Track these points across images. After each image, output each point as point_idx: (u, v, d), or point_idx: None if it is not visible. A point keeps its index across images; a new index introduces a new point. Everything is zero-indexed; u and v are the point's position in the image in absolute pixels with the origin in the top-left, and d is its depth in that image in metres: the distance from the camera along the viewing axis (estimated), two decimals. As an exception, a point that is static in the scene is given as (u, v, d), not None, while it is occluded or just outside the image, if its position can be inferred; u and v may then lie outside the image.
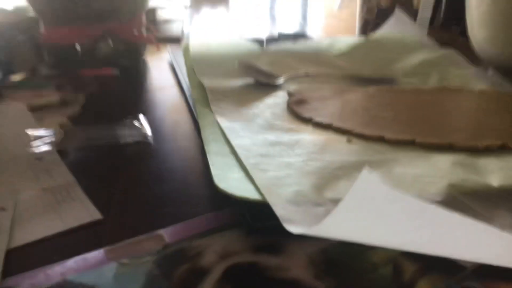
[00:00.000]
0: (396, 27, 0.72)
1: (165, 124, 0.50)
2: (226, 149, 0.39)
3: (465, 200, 0.31)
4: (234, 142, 0.40)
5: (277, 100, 0.52)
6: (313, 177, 0.34)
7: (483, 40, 0.58)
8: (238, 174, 0.35)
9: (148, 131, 0.46)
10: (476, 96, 0.50)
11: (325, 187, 0.33)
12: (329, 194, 0.32)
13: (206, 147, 0.39)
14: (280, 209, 0.29)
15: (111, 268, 0.28)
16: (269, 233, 0.31)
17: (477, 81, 0.55)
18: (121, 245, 0.30)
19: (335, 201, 0.30)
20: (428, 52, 0.64)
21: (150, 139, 0.46)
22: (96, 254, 0.30)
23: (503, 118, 0.44)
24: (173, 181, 0.39)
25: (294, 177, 0.34)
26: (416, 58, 0.63)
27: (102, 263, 0.29)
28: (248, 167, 0.35)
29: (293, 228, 0.26)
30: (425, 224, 0.21)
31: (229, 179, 0.33)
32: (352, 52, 0.68)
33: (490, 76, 0.56)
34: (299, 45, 0.70)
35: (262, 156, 0.38)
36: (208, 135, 0.41)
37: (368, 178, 0.21)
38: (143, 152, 0.44)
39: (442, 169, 0.36)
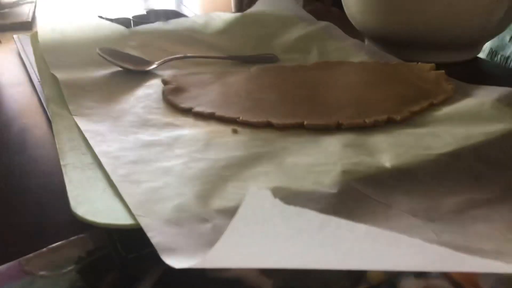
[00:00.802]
0: (271, 1, 0.69)
1: (13, 131, 0.41)
2: (88, 159, 0.32)
3: (360, 187, 0.29)
4: (97, 148, 0.33)
5: (150, 90, 0.45)
6: (197, 183, 0.29)
7: (356, 11, 0.58)
8: (103, 191, 0.28)
9: (-12, 144, 0.37)
10: (357, 69, 0.49)
11: (211, 194, 0.28)
12: (216, 203, 0.27)
13: (61, 160, 0.31)
14: (157, 235, 0.23)
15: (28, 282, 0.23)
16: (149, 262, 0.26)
17: (356, 53, 0.54)
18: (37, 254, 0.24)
19: (223, 212, 0.26)
20: (306, 26, 0.62)
21: (-9, 154, 0.36)
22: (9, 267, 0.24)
23: (385, 89, 0.44)
24: (24, 207, 0.31)
25: (174, 186, 0.29)
26: (294, 33, 0.61)
27: (17, 277, 0.23)
28: (116, 180, 0.29)
29: (175, 261, 0.21)
30: (328, 240, 0.18)
31: (91, 200, 0.27)
32: (229, 29, 0.63)
33: (367, 46, 0.56)
34: (172, 24, 0.64)
35: (134, 163, 0.31)
36: (64, 143, 0.34)
37: (256, 196, 0.16)
38: (-20, 174, 0.34)
39: (334, 153, 0.33)
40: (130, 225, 0.25)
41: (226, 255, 0.19)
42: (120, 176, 0.29)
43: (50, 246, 0.26)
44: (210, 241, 0.23)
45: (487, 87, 0.42)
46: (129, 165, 0.31)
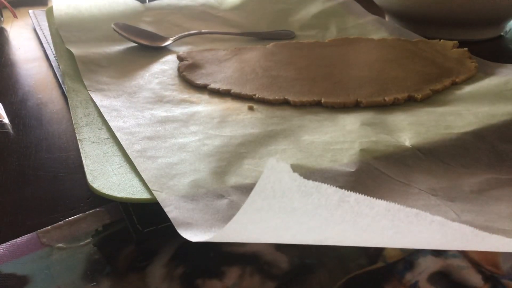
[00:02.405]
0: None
1: (29, 107, 0.41)
2: (104, 134, 0.32)
3: (379, 166, 0.29)
4: (113, 124, 0.33)
5: (166, 66, 0.45)
6: (213, 160, 0.29)
7: (377, -14, 0.56)
8: (119, 166, 0.28)
9: (5, 118, 0.37)
10: (376, 46, 0.48)
11: (227, 171, 0.28)
12: (232, 180, 0.27)
13: (77, 134, 0.31)
14: (173, 210, 0.23)
15: (45, 254, 0.23)
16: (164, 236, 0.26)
17: (376, 30, 0.53)
18: (55, 227, 0.25)
19: (239, 189, 0.26)
20: (324, 2, 0.60)
21: (8, 128, 0.36)
22: (27, 239, 0.24)
23: (405, 67, 0.42)
24: (40, 181, 0.31)
25: (189, 162, 0.28)
26: (312, 8, 0.59)
27: (35, 249, 0.24)
28: (132, 156, 0.29)
29: (191, 235, 0.21)
30: (347, 216, 0.17)
31: (107, 175, 0.27)
32: (245, 5, 0.62)
33: (388, 23, 0.54)
34: (187, 0, 0.63)
35: (150, 139, 0.31)
36: (80, 118, 0.34)
37: (275, 170, 0.16)
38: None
39: (352, 131, 0.33)
40: (147, 199, 0.25)
41: (242, 229, 0.19)
42: (136, 151, 0.29)
43: (67, 219, 0.26)
44: (226, 216, 0.23)
45: (511, 66, 0.41)
46: (145, 141, 0.31)
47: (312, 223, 0.18)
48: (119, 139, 0.30)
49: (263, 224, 0.18)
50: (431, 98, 0.37)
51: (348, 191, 0.16)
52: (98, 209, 0.27)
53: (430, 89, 0.38)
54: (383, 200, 0.17)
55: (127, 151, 0.29)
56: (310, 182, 0.16)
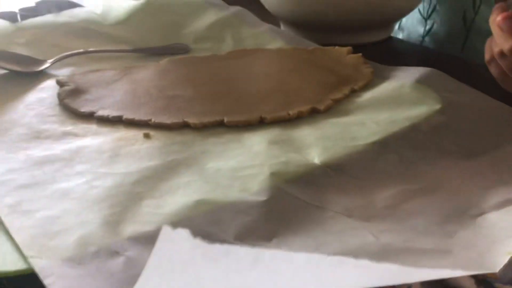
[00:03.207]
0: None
1: None
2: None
3: (292, 191, 0.27)
4: (-24, 175, 0.27)
5: (43, 94, 0.39)
6: (104, 207, 0.25)
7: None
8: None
9: None
10: (275, 57, 0.47)
11: (122, 219, 0.24)
12: (128, 229, 0.23)
13: None
14: (55, 280, 0.19)
15: None
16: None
17: (272, 39, 0.51)
18: None
19: (137, 240, 0.22)
20: (216, 12, 0.58)
21: None
22: None
23: (304, 77, 0.42)
24: None
25: (75, 213, 0.24)
26: (205, 19, 0.56)
27: None
28: (2, 213, 0.24)
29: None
30: (264, 275, 0.15)
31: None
32: (132, 19, 0.57)
33: (283, 32, 0.54)
34: (65, 16, 0.56)
35: (25, 187, 0.26)
36: None
37: (172, 237, 0.13)
38: None
39: (259, 153, 0.31)
40: (21, 271, 0.20)
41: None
42: (8, 206, 0.24)
43: None
44: (123, 279, 0.20)
45: (404, 68, 0.42)
46: (19, 191, 0.26)
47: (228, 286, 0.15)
48: (-15, 194, 0.25)
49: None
50: (334, 108, 0.37)
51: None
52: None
53: (331, 99, 0.37)
54: (300, 253, 0.14)
55: (-6, 208, 0.24)
56: (216, 246, 0.13)
